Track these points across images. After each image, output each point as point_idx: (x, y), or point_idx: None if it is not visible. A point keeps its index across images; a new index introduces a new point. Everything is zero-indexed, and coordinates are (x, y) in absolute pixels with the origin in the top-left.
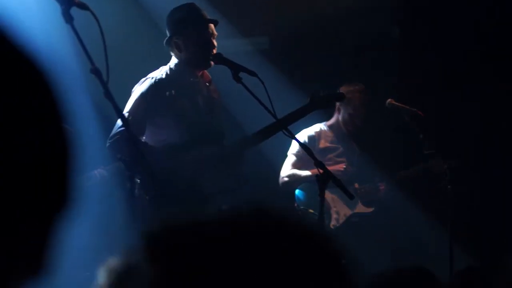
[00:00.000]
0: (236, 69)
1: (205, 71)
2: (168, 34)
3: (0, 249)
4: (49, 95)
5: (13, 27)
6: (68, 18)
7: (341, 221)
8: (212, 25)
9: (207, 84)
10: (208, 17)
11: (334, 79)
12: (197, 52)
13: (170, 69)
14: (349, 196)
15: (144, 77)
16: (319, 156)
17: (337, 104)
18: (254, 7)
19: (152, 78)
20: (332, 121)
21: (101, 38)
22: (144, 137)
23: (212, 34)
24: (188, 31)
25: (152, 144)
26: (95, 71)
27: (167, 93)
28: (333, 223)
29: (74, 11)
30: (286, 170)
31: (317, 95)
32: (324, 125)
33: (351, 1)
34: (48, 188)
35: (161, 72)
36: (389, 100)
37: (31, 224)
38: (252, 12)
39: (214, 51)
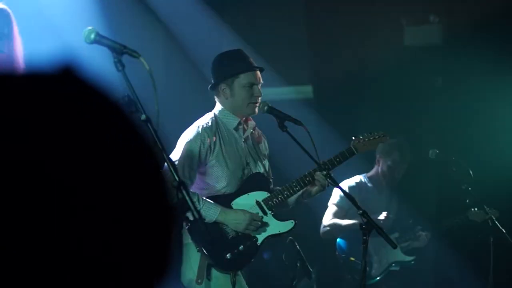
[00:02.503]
0: (282, 118)
1: (250, 117)
2: (213, 79)
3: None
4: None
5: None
6: (121, 67)
7: (382, 269)
8: (258, 73)
9: (252, 130)
10: (255, 64)
11: (377, 129)
12: (243, 100)
13: (215, 116)
14: (392, 245)
15: (189, 124)
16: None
17: (377, 156)
18: (298, 55)
19: (199, 126)
20: (372, 172)
21: (152, 87)
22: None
23: (258, 81)
24: (235, 78)
25: (196, 191)
26: (147, 120)
27: (213, 141)
28: (374, 271)
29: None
30: (328, 219)
31: (359, 140)
32: (364, 176)
33: (394, 51)
34: None
35: (206, 119)
36: (431, 151)
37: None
38: (297, 60)
39: (259, 99)
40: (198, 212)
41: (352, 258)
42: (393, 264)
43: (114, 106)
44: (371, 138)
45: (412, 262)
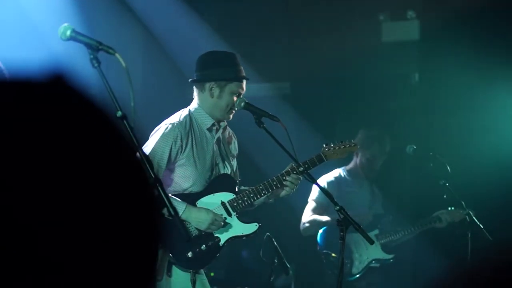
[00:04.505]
0: (258, 114)
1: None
2: (201, 75)
3: None
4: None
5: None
6: (96, 63)
7: (362, 266)
8: (245, 82)
9: (223, 129)
10: (244, 73)
11: (354, 123)
12: (227, 106)
13: (190, 113)
14: (369, 241)
15: (162, 120)
16: (339, 201)
17: None
18: (276, 52)
19: (172, 123)
20: (350, 165)
21: (128, 83)
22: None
23: (243, 91)
24: (229, 83)
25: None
26: (123, 117)
27: (183, 141)
28: (354, 268)
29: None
30: (307, 216)
31: (329, 148)
32: (343, 170)
33: (371, 47)
34: None
35: (180, 117)
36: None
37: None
38: (274, 57)
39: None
40: (174, 209)
41: (334, 254)
42: (373, 262)
43: (102, 114)
44: (341, 147)
45: (391, 260)
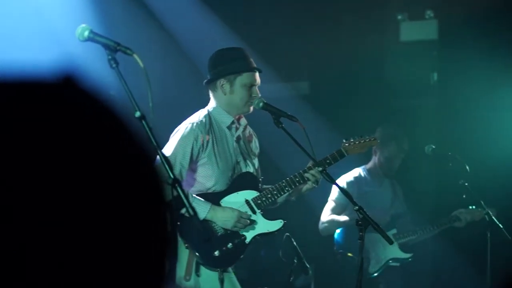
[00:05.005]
0: (277, 114)
1: (242, 115)
2: (211, 74)
3: None
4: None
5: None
6: (114, 64)
7: (379, 265)
8: (257, 74)
9: (244, 128)
10: (255, 65)
11: (372, 123)
12: (242, 99)
13: (209, 113)
14: (388, 241)
15: (182, 120)
16: (359, 200)
17: (374, 147)
18: (294, 52)
19: (192, 123)
20: (370, 164)
21: (147, 83)
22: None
23: (257, 83)
24: (238, 76)
25: (186, 188)
26: (141, 117)
27: (206, 139)
28: (371, 267)
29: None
30: (326, 215)
31: (349, 143)
32: (363, 169)
33: (390, 46)
34: None
35: (200, 116)
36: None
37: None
38: (293, 57)
39: (255, 98)
40: (193, 209)
41: (350, 254)
42: (391, 261)
43: (112, 113)
44: (361, 141)
45: (410, 259)
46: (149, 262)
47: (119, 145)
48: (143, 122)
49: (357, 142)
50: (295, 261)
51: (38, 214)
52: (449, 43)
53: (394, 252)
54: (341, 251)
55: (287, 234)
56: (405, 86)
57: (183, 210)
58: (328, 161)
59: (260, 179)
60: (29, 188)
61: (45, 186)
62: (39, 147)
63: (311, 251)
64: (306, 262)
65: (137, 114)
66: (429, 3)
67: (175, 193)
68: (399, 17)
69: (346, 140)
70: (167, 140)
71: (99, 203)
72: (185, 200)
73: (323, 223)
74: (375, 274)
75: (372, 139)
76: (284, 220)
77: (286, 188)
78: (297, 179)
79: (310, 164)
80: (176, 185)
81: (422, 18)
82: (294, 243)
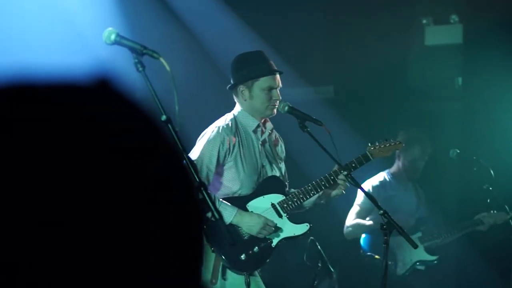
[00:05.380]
0: (302, 118)
1: (268, 118)
2: (232, 79)
3: None
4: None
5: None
6: (141, 67)
7: (406, 267)
8: (278, 76)
9: (270, 132)
10: (275, 67)
11: (397, 127)
12: (262, 103)
13: (235, 117)
14: (412, 245)
15: (209, 124)
16: (384, 204)
17: (397, 151)
18: (319, 56)
19: (219, 126)
20: (394, 168)
21: (173, 87)
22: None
23: (278, 85)
24: (255, 81)
25: (212, 192)
26: (167, 120)
27: (232, 143)
28: (398, 269)
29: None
30: (350, 219)
31: (374, 147)
32: (388, 173)
33: (415, 51)
34: None
35: (226, 120)
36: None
37: None
38: (318, 61)
39: (277, 102)
40: (219, 212)
41: (377, 256)
42: (417, 263)
43: (148, 119)
44: (387, 145)
45: (435, 262)
46: (181, 264)
47: (156, 147)
48: (169, 125)
49: (382, 146)
50: (320, 265)
51: (76, 217)
52: (474, 47)
53: (420, 254)
54: (368, 254)
55: (312, 238)
56: (429, 90)
57: (209, 214)
58: (353, 165)
59: (286, 183)
60: (71, 190)
61: (83, 190)
62: (77, 150)
63: (336, 255)
64: (330, 266)
65: (163, 117)
66: (454, 7)
67: (200, 196)
68: (424, 21)
69: (371, 143)
70: (192, 143)
71: (131, 205)
72: (210, 204)
73: (348, 227)
74: (403, 275)
75: (397, 142)
76: (310, 223)
77: (312, 192)
78: (323, 183)
79: (335, 168)
80: (202, 188)
81: (447, 23)
82: (319, 247)
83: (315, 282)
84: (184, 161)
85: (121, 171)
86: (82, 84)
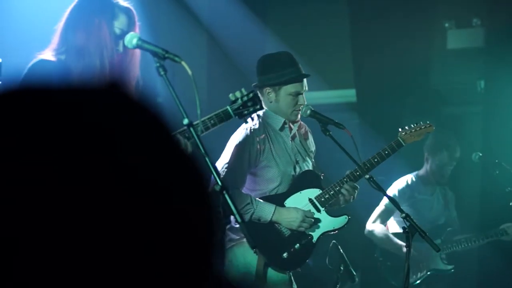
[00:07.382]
0: (324, 121)
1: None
2: (259, 81)
3: None
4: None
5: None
6: (163, 71)
7: (420, 275)
8: (305, 80)
9: (298, 127)
10: (303, 71)
11: None
12: (288, 107)
13: (260, 117)
14: (434, 248)
15: (232, 127)
16: (410, 207)
17: (426, 154)
18: (341, 59)
19: (247, 128)
20: (422, 171)
21: (195, 91)
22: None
23: (304, 90)
24: (283, 86)
25: (248, 193)
26: (189, 124)
27: (262, 143)
28: (413, 276)
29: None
30: (373, 217)
31: (405, 132)
32: (415, 176)
33: (437, 54)
34: None
35: (254, 121)
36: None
37: None
38: (340, 64)
39: (302, 107)
40: (241, 216)
41: (388, 263)
42: (432, 272)
43: (157, 121)
44: (418, 129)
45: (452, 271)
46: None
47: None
48: (191, 129)
49: (413, 130)
50: (342, 268)
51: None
52: (496, 50)
53: (436, 263)
54: (381, 259)
55: (334, 241)
56: (452, 94)
57: (237, 217)
58: (386, 152)
59: (322, 176)
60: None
61: (99, 193)
62: (92, 152)
63: (358, 258)
64: (352, 270)
65: (185, 121)
66: (476, 11)
67: (223, 200)
68: (446, 25)
69: (402, 129)
70: (214, 146)
71: (146, 208)
72: (233, 208)
73: (373, 230)
74: (416, 283)
75: (428, 125)
76: (349, 215)
77: (345, 179)
78: (358, 173)
79: (359, 163)
80: (224, 192)
81: (469, 26)
82: (341, 250)
83: (337, 285)
84: (206, 165)
85: (124, 174)
86: (92, 86)
